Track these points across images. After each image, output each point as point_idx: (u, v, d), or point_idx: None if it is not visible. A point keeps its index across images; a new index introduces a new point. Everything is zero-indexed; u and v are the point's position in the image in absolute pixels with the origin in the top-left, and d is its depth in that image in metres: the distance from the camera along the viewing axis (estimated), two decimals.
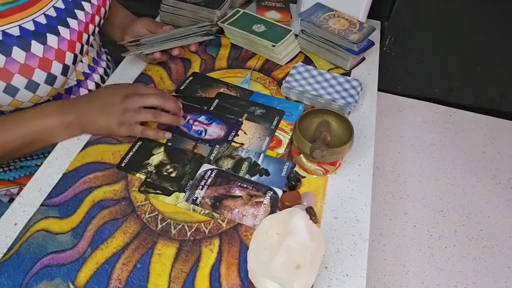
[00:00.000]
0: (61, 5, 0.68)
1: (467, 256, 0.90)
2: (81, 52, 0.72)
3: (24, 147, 0.67)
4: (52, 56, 0.65)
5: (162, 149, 0.70)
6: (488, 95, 1.21)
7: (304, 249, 0.49)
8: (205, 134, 0.72)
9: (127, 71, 0.85)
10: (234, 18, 0.93)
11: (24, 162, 0.78)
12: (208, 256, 0.57)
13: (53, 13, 0.67)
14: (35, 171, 0.78)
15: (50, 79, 0.66)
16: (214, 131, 0.73)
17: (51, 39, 0.65)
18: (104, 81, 0.83)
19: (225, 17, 0.93)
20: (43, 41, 0.64)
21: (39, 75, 0.64)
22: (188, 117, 0.75)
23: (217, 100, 0.79)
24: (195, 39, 0.83)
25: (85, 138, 0.71)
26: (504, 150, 1.12)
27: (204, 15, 0.93)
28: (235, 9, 0.96)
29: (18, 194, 0.77)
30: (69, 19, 0.69)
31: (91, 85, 0.80)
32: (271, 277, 0.49)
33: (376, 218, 0.93)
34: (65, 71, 0.68)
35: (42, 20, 0.65)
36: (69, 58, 0.68)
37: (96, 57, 0.82)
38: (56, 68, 0.66)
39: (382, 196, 0.99)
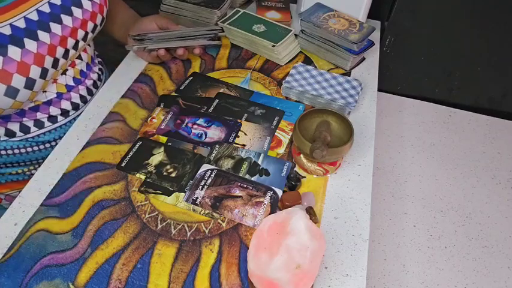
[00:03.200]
0: (46, 9, 0.67)
1: (467, 256, 0.90)
2: (64, 56, 0.70)
3: None
4: (31, 60, 0.63)
5: (162, 149, 0.70)
6: (488, 95, 1.21)
7: (304, 249, 0.49)
8: (206, 137, 0.72)
9: (127, 70, 0.85)
10: (234, 18, 0.93)
11: None
12: (208, 256, 0.57)
13: (35, 17, 0.65)
14: (11, 180, 0.78)
15: (29, 83, 0.64)
16: (215, 133, 0.73)
17: (29, 43, 0.63)
18: (91, 93, 0.80)
19: (225, 17, 0.93)
20: (21, 45, 0.62)
21: (17, 80, 0.62)
22: (186, 120, 0.75)
23: (217, 100, 0.79)
24: (202, 41, 0.83)
25: (85, 138, 0.71)
26: (504, 150, 1.12)
27: (204, 15, 0.93)
28: (235, 9, 0.96)
29: None
30: (52, 23, 0.67)
31: (75, 97, 0.77)
32: (271, 277, 0.49)
33: (376, 218, 0.93)
34: (44, 74, 0.66)
35: (21, 24, 0.63)
36: (48, 62, 0.66)
37: (85, 70, 0.79)
38: (35, 72, 0.64)
39: (382, 196, 0.99)
